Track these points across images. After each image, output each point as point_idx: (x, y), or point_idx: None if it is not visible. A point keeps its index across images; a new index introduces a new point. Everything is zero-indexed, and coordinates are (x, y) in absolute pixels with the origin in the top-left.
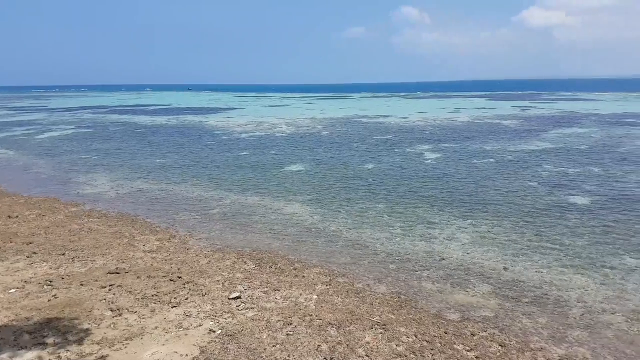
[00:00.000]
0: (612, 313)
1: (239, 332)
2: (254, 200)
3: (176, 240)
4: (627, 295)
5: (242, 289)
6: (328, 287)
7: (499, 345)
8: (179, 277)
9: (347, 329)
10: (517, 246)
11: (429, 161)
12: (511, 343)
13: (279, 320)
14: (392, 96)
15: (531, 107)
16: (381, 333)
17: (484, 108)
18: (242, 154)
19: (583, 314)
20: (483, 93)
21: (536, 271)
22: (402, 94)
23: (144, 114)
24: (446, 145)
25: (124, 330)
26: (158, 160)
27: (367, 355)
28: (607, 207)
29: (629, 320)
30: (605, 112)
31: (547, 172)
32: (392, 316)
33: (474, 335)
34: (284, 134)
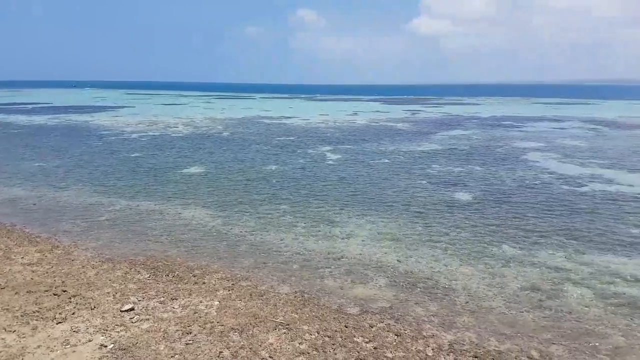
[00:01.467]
0: (494, 298)
1: (133, 345)
2: (148, 205)
3: (59, 251)
4: (506, 280)
5: (136, 300)
6: (230, 292)
7: (395, 334)
8: (64, 291)
9: (250, 332)
10: (410, 240)
11: (331, 162)
12: (406, 332)
13: (177, 330)
14: (293, 98)
15: (421, 110)
16: (285, 333)
17: (380, 111)
18: (134, 155)
19: (468, 301)
20: (379, 97)
21: (427, 263)
22: (304, 95)
23: (20, 113)
24: (346, 146)
25: (0, 352)
26: (37, 164)
27: (270, 357)
28: (488, 202)
29: (508, 303)
30: (485, 115)
31: (436, 171)
32: (296, 315)
33: (372, 327)
34: (180, 135)
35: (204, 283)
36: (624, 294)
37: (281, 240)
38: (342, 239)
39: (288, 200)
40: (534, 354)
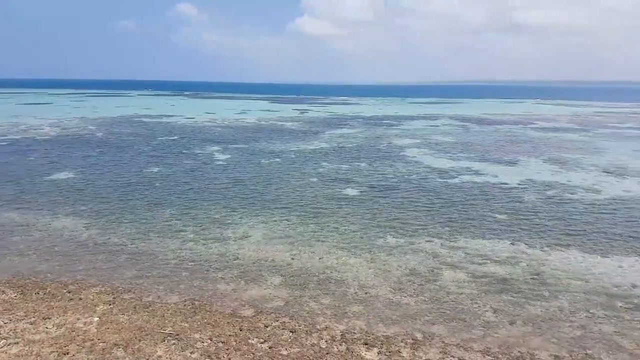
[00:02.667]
0: (381, 286)
1: None
2: (10, 217)
3: None
4: (391, 268)
5: (2, 323)
6: (111, 306)
7: (290, 331)
8: None
9: (136, 346)
10: (302, 237)
11: (220, 162)
12: (300, 327)
13: (52, 352)
14: (176, 95)
15: (309, 110)
16: (174, 344)
17: (269, 110)
18: None
19: (358, 291)
20: (267, 96)
21: (319, 258)
22: (188, 93)
23: None
24: (236, 146)
25: None
26: None
27: None
28: (373, 196)
29: (394, 290)
30: (368, 114)
31: (326, 169)
32: (186, 324)
33: (267, 327)
34: (47, 137)
35: (80, 299)
36: (494, 273)
37: (167, 247)
38: (235, 241)
39: (174, 204)
40: (418, 335)
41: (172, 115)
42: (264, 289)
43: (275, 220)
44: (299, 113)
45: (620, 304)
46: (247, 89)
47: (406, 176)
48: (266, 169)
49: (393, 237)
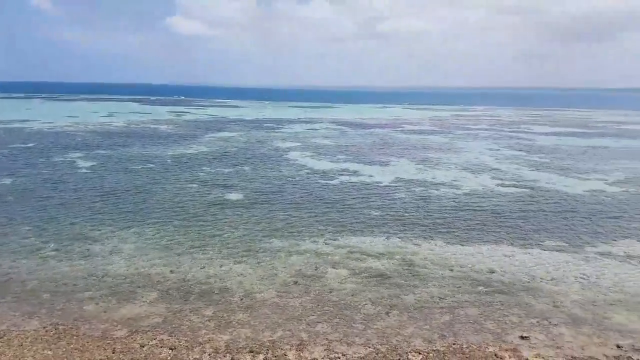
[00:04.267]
0: (267, 290)
1: None
2: None
3: None
4: (277, 272)
5: None
6: None
7: (169, 349)
8: None
9: None
10: (182, 247)
11: (84, 171)
12: (181, 343)
13: None
14: (31, 97)
15: (186, 112)
16: None
17: (140, 113)
18: None
19: (243, 298)
20: (139, 97)
21: (201, 268)
22: (45, 95)
23: None
24: (102, 152)
25: None
26: None
27: None
28: (257, 200)
29: (279, 293)
30: (249, 117)
31: (206, 173)
32: (50, 352)
33: (143, 347)
34: None
35: None
36: (372, 268)
37: (24, 267)
38: (104, 256)
39: (31, 220)
40: (303, 335)
41: (26, 120)
42: (139, 306)
43: (150, 231)
44: (174, 116)
45: (481, 288)
46: (115, 90)
47: (289, 179)
48: (138, 176)
49: (278, 240)
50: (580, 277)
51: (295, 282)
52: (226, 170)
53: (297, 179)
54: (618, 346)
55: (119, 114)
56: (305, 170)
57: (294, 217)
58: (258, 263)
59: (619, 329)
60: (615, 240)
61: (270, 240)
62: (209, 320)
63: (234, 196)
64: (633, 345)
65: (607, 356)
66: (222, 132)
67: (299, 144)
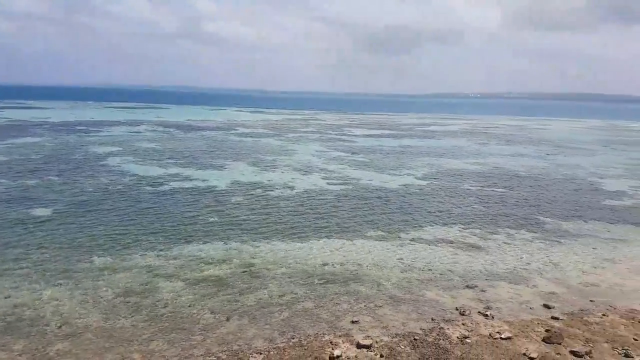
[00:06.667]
0: (89, 314)
1: None
2: None
3: None
4: (100, 292)
5: None
6: None
7: None
8: None
9: None
10: None
11: None
12: None
13: None
14: None
15: None
16: None
17: None
18: None
19: (61, 326)
20: None
21: (5, 297)
22: None
23: None
24: None
25: None
26: None
27: None
28: (72, 214)
29: (105, 315)
30: (56, 120)
31: (3, 187)
32: None
33: None
34: None
35: None
36: (210, 276)
37: None
38: None
39: None
40: (136, 356)
41: None
42: None
43: None
44: None
45: (316, 281)
46: None
47: (110, 187)
48: None
49: (101, 257)
50: (398, 262)
51: (124, 301)
52: (29, 182)
53: (120, 187)
54: (432, 319)
55: None
56: (129, 178)
57: (119, 230)
58: (77, 285)
59: (432, 304)
60: (424, 227)
61: (91, 258)
62: (19, 356)
63: (42, 211)
64: (443, 317)
65: (423, 329)
66: (23, 137)
67: (120, 148)
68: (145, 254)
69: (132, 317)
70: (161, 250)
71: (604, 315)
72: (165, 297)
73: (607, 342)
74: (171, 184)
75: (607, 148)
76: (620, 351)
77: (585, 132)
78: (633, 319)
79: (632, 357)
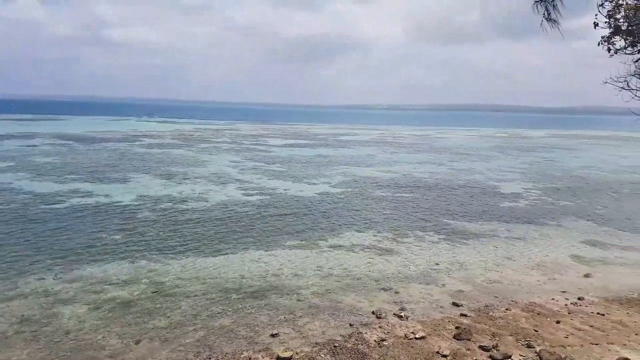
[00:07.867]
0: None
1: None
2: None
3: None
4: None
5: None
6: None
7: None
8: None
9: None
10: None
11: None
12: None
13: None
14: None
15: None
16: None
17: None
18: None
19: None
20: None
21: None
22: None
23: None
24: None
25: None
26: None
27: None
28: None
29: None
30: None
31: None
32: None
33: None
34: None
35: None
36: (116, 298)
37: None
38: None
39: None
40: None
41: None
42: None
43: None
44: None
45: (234, 296)
46: None
47: (1, 207)
48: None
49: None
50: (317, 270)
51: (19, 331)
52: None
53: (13, 206)
54: (350, 324)
55: None
56: (23, 196)
57: (13, 254)
58: None
59: (350, 309)
60: (341, 234)
61: None
62: None
63: None
64: (361, 322)
65: (342, 335)
66: None
67: (12, 164)
68: (44, 279)
69: (27, 348)
70: (61, 273)
71: (507, 309)
72: (66, 323)
73: (511, 335)
74: (71, 201)
75: (502, 154)
76: (523, 342)
77: (482, 140)
78: (532, 311)
79: (534, 347)
